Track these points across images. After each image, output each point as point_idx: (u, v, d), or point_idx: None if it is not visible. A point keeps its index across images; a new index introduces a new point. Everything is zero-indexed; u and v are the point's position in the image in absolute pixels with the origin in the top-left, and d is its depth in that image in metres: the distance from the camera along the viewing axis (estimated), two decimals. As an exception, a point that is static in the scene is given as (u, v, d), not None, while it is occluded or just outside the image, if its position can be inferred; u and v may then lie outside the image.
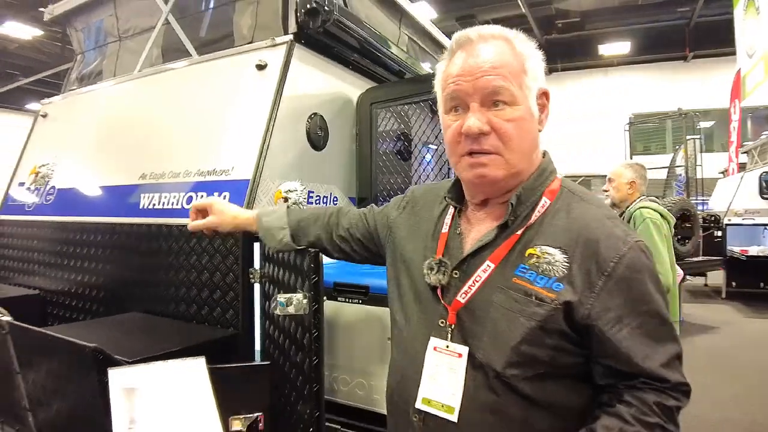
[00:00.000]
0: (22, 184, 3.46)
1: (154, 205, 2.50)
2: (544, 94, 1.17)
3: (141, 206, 2.55)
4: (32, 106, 20.44)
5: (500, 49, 1.12)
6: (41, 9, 4.12)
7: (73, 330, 2.10)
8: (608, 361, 1.04)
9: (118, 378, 1.33)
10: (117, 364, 1.42)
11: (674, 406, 1.02)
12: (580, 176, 16.34)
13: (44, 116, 3.68)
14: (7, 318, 1.88)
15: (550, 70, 17.33)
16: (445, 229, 1.25)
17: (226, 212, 1.70)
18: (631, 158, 11.52)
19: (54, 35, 14.54)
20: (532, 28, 14.12)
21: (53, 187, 3.20)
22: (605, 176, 4.18)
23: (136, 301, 2.53)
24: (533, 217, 1.12)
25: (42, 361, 1.72)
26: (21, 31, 13.82)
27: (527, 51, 1.14)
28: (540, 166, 1.19)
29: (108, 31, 3.70)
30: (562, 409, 1.07)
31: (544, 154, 1.23)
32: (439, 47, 4.30)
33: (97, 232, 2.74)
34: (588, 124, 17.58)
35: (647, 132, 15.43)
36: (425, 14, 11.39)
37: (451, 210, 1.27)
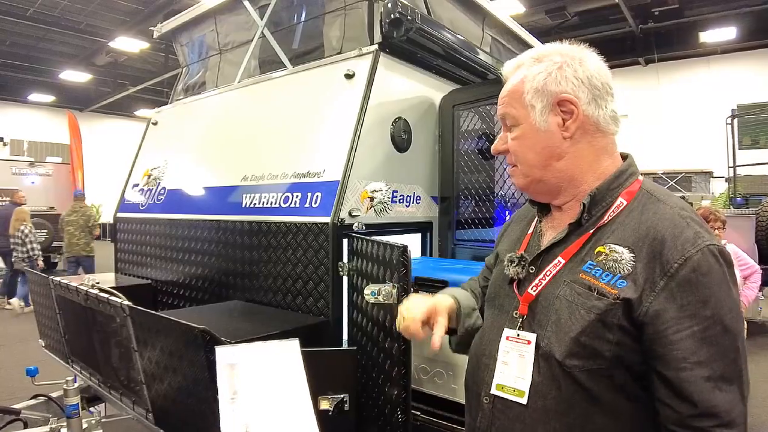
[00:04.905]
0: (136, 185, 3.83)
1: (255, 204, 2.73)
2: (560, 103, 1.18)
3: (243, 205, 2.79)
4: (140, 112, 22.04)
5: (513, 78, 1.25)
6: (150, 27, 4.50)
7: (182, 314, 2.31)
8: (656, 363, 1.05)
9: (223, 355, 1.47)
10: (222, 344, 1.57)
11: None
12: (680, 172, 15.39)
13: (155, 124, 4.04)
14: (128, 303, 2.10)
15: (646, 62, 16.43)
16: (530, 230, 1.35)
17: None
18: (734, 153, 10.73)
19: (158, 47, 15.59)
20: (626, 18, 13.42)
21: (164, 188, 3.54)
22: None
23: (237, 290, 2.77)
24: (606, 217, 1.16)
25: (156, 340, 1.92)
26: (130, 44, 14.91)
27: (531, 70, 1.22)
28: (619, 168, 1.21)
29: (210, 45, 4.02)
30: (621, 407, 1.09)
31: (627, 156, 1.26)
32: (524, 45, 4.28)
33: (203, 228, 3.02)
34: (688, 116, 16.47)
35: (757, 124, 14.29)
36: (512, 9, 11.10)
37: (536, 213, 1.37)
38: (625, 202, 1.17)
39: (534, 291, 1.20)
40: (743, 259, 4.71)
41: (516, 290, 1.25)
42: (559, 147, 1.20)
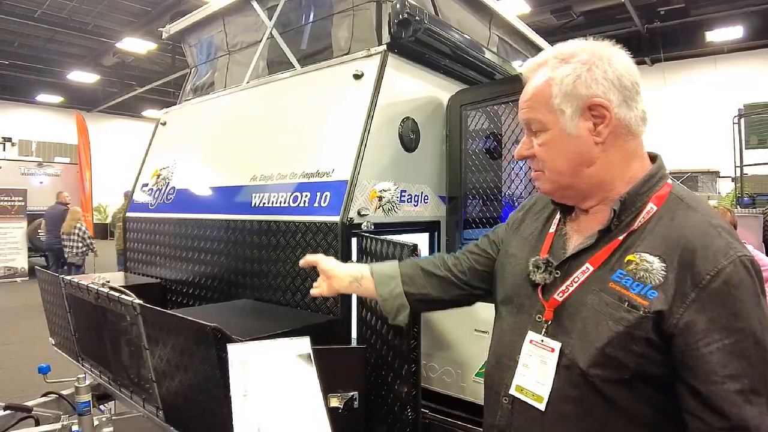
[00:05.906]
0: (145, 185, 3.85)
1: (264, 203, 2.75)
2: (591, 107, 1.14)
3: (252, 204, 2.81)
4: (147, 112, 22.17)
5: (536, 80, 1.19)
6: (159, 29, 4.52)
7: (192, 313, 2.32)
8: (686, 375, 1.02)
9: (235, 353, 1.47)
10: (233, 341, 1.58)
11: None
12: (686, 172, 15.34)
13: (164, 124, 4.06)
14: (139, 301, 2.11)
15: (652, 61, 16.40)
16: (552, 229, 1.30)
17: (338, 272, 1.67)
18: (741, 152, 10.70)
19: (165, 47, 15.68)
20: (632, 17, 13.40)
21: (173, 188, 3.56)
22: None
23: (246, 289, 2.79)
24: (637, 223, 1.12)
25: (167, 338, 1.93)
26: (137, 45, 15.03)
27: (558, 72, 1.15)
28: (649, 171, 1.17)
29: (218, 46, 4.03)
30: (644, 418, 1.08)
31: (656, 158, 1.22)
32: (531, 45, 4.28)
33: (212, 228, 3.04)
34: (694, 115, 16.45)
35: (763, 123, 14.21)
36: (518, 9, 11.08)
37: (559, 213, 1.34)
38: (655, 208, 1.13)
39: (560, 297, 1.17)
40: (763, 262, 4.60)
41: (541, 295, 1.22)
42: (590, 153, 1.15)
